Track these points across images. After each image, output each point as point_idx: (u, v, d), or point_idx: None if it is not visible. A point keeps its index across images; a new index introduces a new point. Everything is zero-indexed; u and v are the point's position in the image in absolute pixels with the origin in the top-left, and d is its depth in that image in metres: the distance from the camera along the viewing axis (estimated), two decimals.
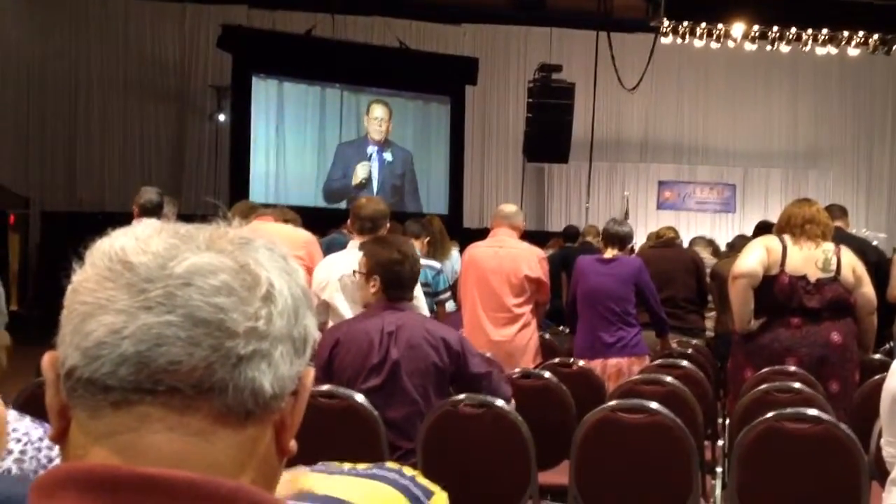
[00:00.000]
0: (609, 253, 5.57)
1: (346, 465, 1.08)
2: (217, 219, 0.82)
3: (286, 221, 6.16)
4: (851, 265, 4.62)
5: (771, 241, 4.69)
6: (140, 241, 0.76)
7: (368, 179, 15.00)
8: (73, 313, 0.75)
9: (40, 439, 1.44)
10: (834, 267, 4.56)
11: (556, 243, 10.24)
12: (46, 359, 0.78)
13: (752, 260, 4.60)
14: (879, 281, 5.68)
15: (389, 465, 1.08)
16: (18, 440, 1.43)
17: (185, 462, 0.72)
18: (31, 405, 2.73)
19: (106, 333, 0.72)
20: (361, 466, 1.07)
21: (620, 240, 5.54)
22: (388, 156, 15.21)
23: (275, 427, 0.79)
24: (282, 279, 0.79)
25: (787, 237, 4.63)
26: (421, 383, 3.44)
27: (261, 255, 0.78)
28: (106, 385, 0.73)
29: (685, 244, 8.58)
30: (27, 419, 1.48)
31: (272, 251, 0.80)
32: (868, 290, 4.65)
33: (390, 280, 3.54)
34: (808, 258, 4.57)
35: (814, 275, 4.55)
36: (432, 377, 3.45)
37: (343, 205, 14.50)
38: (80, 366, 0.73)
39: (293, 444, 0.82)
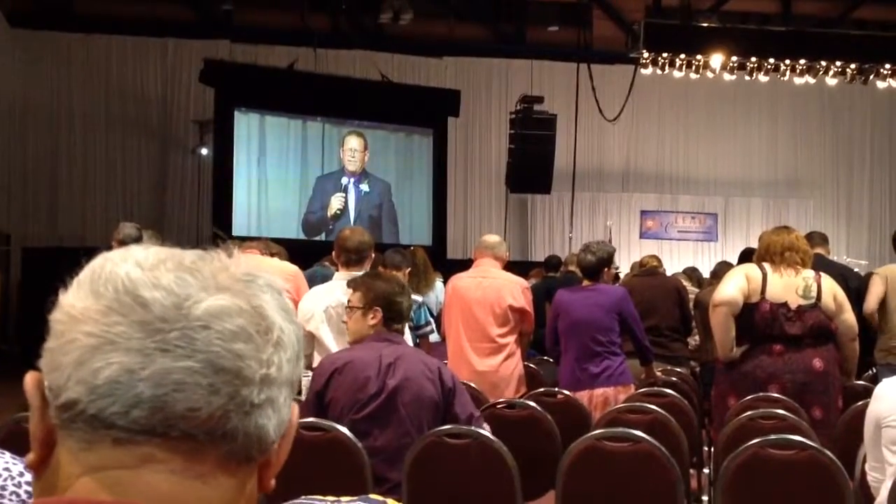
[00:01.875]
0: (587, 282, 5.56)
1: (330, 498, 1.07)
2: (217, 247, 0.81)
3: (272, 255, 6.15)
4: (832, 292, 4.64)
5: (751, 268, 4.71)
6: (147, 272, 0.74)
7: (343, 210, 15.01)
8: (74, 343, 0.72)
9: (20, 474, 1.42)
10: (814, 294, 4.58)
11: (537, 273, 10.26)
12: (30, 381, 0.76)
13: (732, 288, 4.61)
14: (861, 307, 5.71)
15: (373, 497, 1.08)
16: None
17: (181, 502, 0.71)
18: (11, 441, 2.70)
19: (119, 372, 0.70)
20: (345, 499, 1.07)
21: (593, 269, 5.49)
22: (364, 187, 15.25)
23: (259, 465, 0.78)
24: (287, 322, 0.78)
25: (766, 265, 4.65)
26: (416, 414, 3.44)
27: (268, 297, 0.77)
28: (113, 423, 0.71)
29: (668, 273, 8.62)
30: (7, 455, 1.47)
31: (273, 289, 0.79)
32: (849, 316, 4.67)
33: (392, 312, 3.60)
34: (788, 285, 4.59)
35: (794, 302, 4.56)
36: (428, 409, 3.45)
37: (322, 237, 14.51)
38: (83, 401, 0.71)
39: (273, 482, 0.81)
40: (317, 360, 4.67)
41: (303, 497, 1.06)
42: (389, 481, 3.40)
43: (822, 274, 4.71)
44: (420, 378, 3.45)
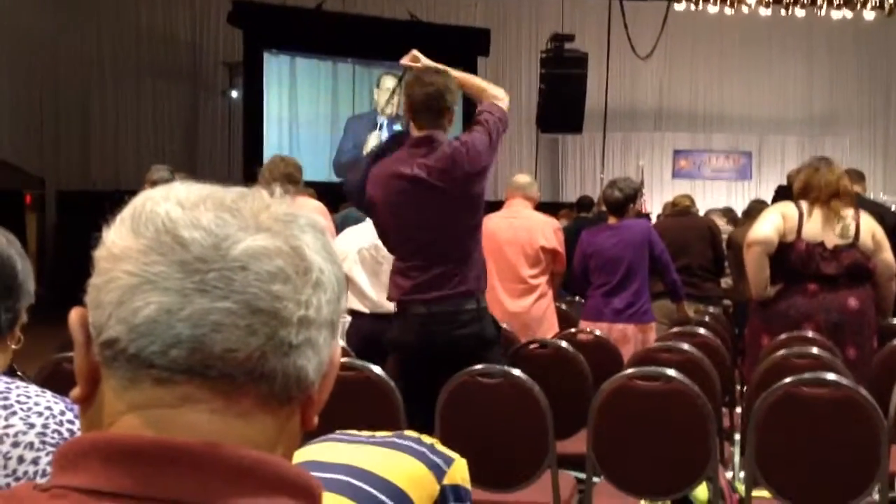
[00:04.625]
0: (613, 219, 5.57)
1: (365, 433, 1.08)
2: (257, 185, 0.81)
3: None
4: (871, 231, 4.58)
5: (787, 207, 4.66)
6: (187, 211, 0.75)
7: None
8: (116, 282, 0.73)
9: (62, 413, 1.45)
10: (852, 233, 4.53)
11: (567, 214, 10.23)
12: (75, 317, 0.77)
13: (768, 227, 4.57)
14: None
15: (407, 433, 1.09)
16: (40, 414, 1.44)
17: (223, 440, 0.72)
18: (51, 382, 2.75)
19: (158, 312, 0.71)
20: (380, 434, 1.08)
21: (619, 205, 5.52)
22: (399, 127, 15.20)
23: (302, 403, 0.79)
24: (328, 263, 0.78)
25: (804, 203, 4.60)
26: None
27: (308, 237, 0.77)
28: (153, 363, 0.72)
29: (701, 213, 8.56)
30: (48, 394, 1.50)
31: (315, 228, 0.79)
32: (888, 255, 4.62)
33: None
34: (826, 224, 4.54)
35: (831, 241, 4.52)
36: None
37: None
38: (123, 339, 0.72)
39: (315, 419, 0.82)
40: (351, 301, 4.71)
41: (337, 432, 1.08)
42: None
43: (862, 213, 4.64)
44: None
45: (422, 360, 3.55)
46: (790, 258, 4.53)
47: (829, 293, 4.51)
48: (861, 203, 5.39)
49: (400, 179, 3.58)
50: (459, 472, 1.06)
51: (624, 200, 5.52)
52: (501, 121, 3.75)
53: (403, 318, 3.63)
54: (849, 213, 4.57)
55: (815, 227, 4.53)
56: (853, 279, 4.53)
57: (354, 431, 1.08)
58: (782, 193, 6.47)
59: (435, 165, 3.56)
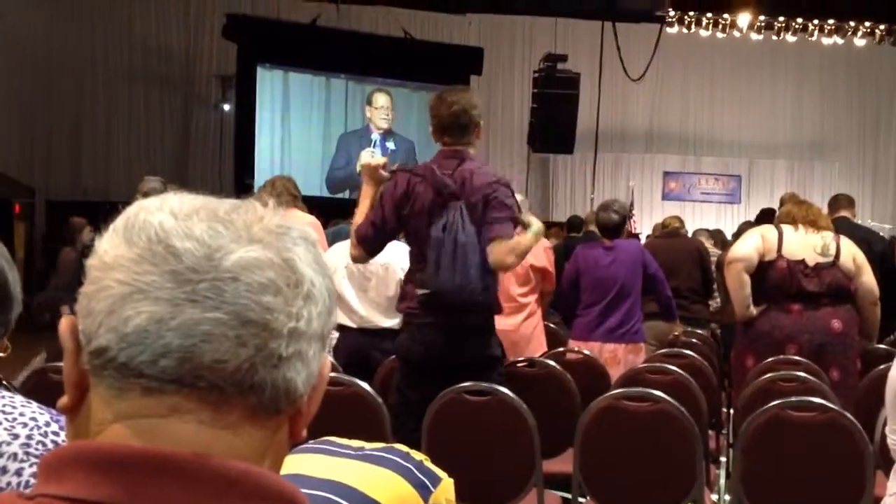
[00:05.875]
0: (608, 241, 5.60)
1: (355, 443, 1.08)
2: (250, 197, 0.81)
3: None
4: (852, 253, 4.62)
5: (767, 228, 4.74)
6: (180, 221, 0.75)
7: None
8: (107, 291, 0.73)
9: (47, 424, 1.44)
10: (833, 252, 4.57)
11: (557, 233, 10.25)
12: (66, 325, 0.76)
13: (747, 245, 4.65)
14: (885, 271, 5.67)
15: (398, 447, 1.08)
16: (25, 425, 1.42)
17: (210, 451, 0.72)
18: (37, 392, 2.74)
19: (148, 321, 0.71)
20: (369, 447, 1.07)
21: (616, 228, 5.54)
22: (390, 145, 15.22)
23: (290, 415, 0.79)
24: (319, 276, 0.78)
25: (784, 226, 4.67)
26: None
27: (300, 249, 0.77)
28: (142, 372, 0.71)
29: (690, 235, 8.58)
30: (34, 405, 1.49)
31: (307, 241, 0.79)
32: (869, 279, 4.65)
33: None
34: (806, 243, 4.59)
35: (812, 259, 4.56)
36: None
37: (346, 194, 14.50)
38: (113, 348, 0.72)
39: (304, 432, 0.82)
40: (339, 316, 4.70)
41: (326, 439, 1.07)
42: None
43: (842, 237, 4.70)
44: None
45: (428, 370, 3.56)
46: (772, 276, 4.56)
47: (813, 313, 4.54)
48: (852, 228, 5.44)
49: (426, 194, 3.63)
50: (445, 492, 1.06)
51: (620, 223, 5.55)
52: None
53: (412, 327, 3.65)
54: (829, 234, 4.64)
55: (796, 245, 4.59)
56: (835, 299, 4.55)
57: (344, 441, 1.08)
58: (766, 215, 6.51)
59: (454, 182, 3.60)
